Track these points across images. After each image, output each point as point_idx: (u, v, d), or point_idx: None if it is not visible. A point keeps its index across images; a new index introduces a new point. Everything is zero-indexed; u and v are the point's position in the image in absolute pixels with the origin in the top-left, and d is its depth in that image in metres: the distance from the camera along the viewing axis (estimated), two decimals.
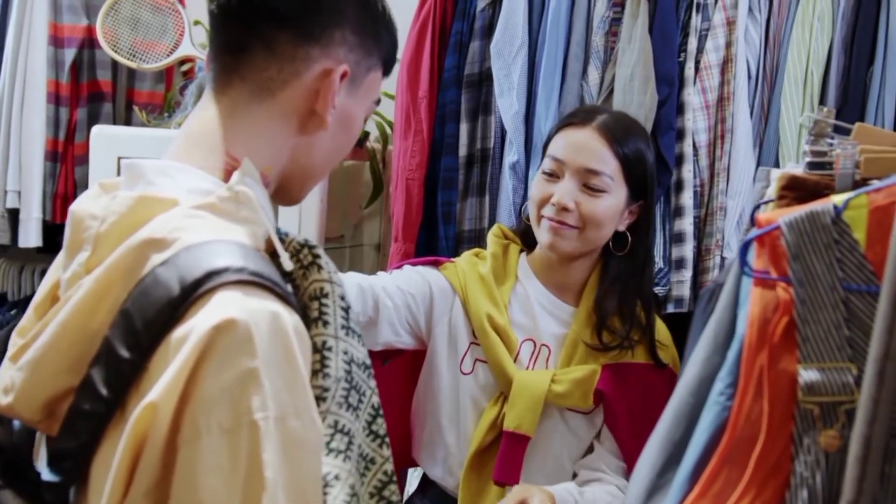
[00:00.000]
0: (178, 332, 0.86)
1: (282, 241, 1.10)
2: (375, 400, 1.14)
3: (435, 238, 2.48)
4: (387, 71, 1.17)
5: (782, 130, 2.20)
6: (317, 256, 1.10)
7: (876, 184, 1.04)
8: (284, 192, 1.14)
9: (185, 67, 2.98)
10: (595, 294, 1.84)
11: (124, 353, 0.88)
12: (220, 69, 1.07)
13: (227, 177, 1.03)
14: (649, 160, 1.83)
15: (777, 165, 2.22)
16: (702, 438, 1.03)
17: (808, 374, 1.00)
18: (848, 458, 0.96)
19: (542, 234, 1.81)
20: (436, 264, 1.92)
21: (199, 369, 0.84)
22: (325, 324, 1.09)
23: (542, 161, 1.85)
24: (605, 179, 1.76)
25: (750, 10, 2.27)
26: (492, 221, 2.43)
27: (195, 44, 2.81)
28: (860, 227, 1.02)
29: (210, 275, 0.88)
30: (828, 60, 2.21)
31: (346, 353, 1.10)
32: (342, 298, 1.12)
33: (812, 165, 1.16)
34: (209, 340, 0.84)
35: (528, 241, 1.94)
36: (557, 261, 1.86)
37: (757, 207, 1.19)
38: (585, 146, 1.78)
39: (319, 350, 1.06)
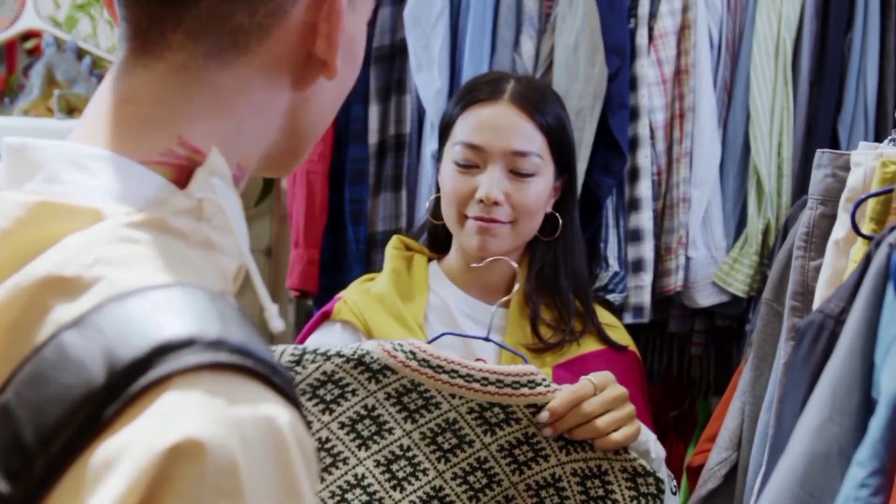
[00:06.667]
0: (102, 451, 0.51)
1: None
2: None
3: (342, 242, 2.12)
4: None
5: (753, 107, 1.89)
6: None
7: None
8: (271, 167, 0.77)
9: (29, 44, 2.51)
10: (524, 289, 1.60)
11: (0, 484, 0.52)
12: (148, 23, 0.67)
13: (179, 175, 0.65)
14: (569, 126, 1.61)
15: (746, 147, 1.92)
16: None
17: None
18: None
19: (469, 238, 1.55)
20: (326, 316, 1.60)
21: None
22: None
23: (447, 149, 1.59)
24: (534, 160, 1.53)
25: None
26: (410, 220, 2.08)
27: (41, 15, 2.37)
28: None
29: (161, 351, 0.53)
30: (799, 26, 1.92)
31: None
32: None
33: None
34: (160, 472, 0.50)
35: (437, 246, 1.67)
36: (480, 261, 1.57)
37: (859, 204, 0.84)
38: (505, 125, 1.53)
39: None
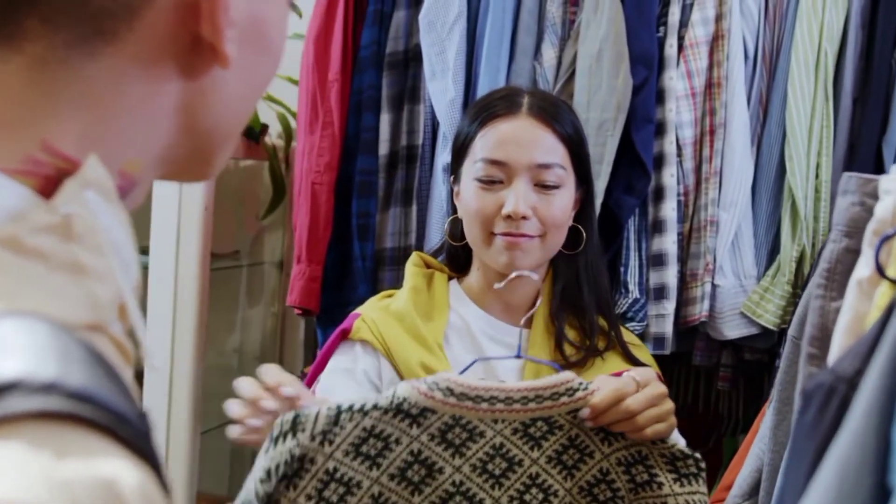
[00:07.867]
0: None
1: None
2: None
3: (348, 258, 2.01)
4: None
5: (789, 124, 1.75)
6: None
7: None
8: (180, 173, 0.68)
9: None
10: (549, 308, 1.56)
11: None
12: (2, 11, 0.58)
13: (45, 186, 0.56)
14: (585, 135, 1.57)
15: (782, 168, 1.78)
16: None
17: None
18: None
19: (498, 255, 1.50)
20: (344, 334, 1.54)
21: None
22: None
23: (466, 168, 1.54)
24: (558, 171, 1.50)
25: None
26: (420, 237, 1.98)
27: None
28: None
29: None
30: (843, 37, 1.77)
31: None
32: None
33: None
34: None
35: (456, 267, 1.62)
36: (502, 280, 1.51)
37: (885, 240, 0.70)
38: (527, 138, 1.50)
39: None
